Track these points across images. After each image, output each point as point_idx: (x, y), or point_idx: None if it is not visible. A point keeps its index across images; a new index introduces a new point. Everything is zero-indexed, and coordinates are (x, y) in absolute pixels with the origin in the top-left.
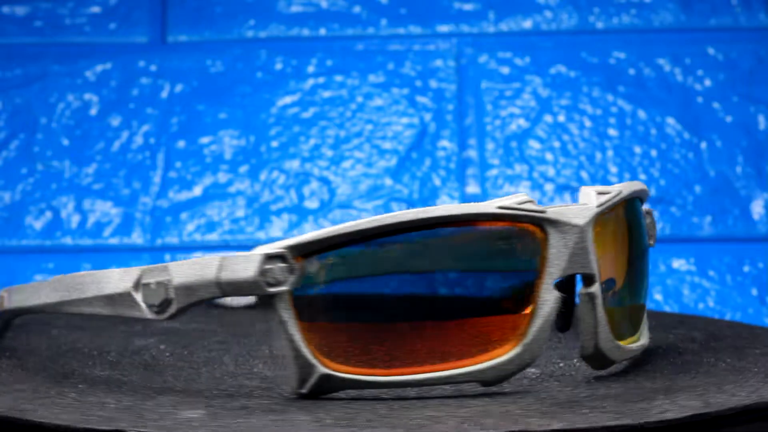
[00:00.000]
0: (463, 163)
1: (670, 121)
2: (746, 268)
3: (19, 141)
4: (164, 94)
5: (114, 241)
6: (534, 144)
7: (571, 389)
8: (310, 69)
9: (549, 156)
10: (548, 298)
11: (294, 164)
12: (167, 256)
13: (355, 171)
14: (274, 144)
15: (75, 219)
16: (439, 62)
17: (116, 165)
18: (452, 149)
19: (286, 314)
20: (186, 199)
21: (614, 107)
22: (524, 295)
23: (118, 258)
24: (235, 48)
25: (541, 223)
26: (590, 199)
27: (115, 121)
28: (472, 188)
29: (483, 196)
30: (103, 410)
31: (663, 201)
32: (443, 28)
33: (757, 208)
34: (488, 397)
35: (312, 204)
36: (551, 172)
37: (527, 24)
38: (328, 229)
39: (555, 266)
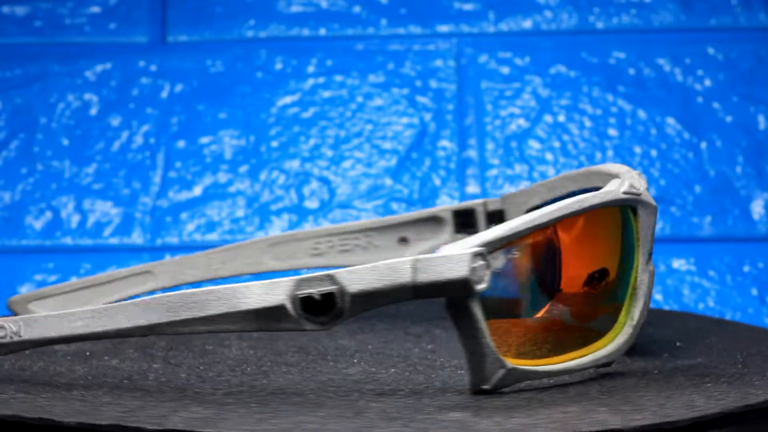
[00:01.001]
0: (463, 163)
1: (670, 121)
2: (746, 268)
3: (19, 141)
4: (164, 94)
5: (114, 241)
6: (534, 144)
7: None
8: (310, 69)
9: (549, 156)
10: (644, 278)
11: (294, 164)
12: (167, 256)
13: (355, 171)
14: (274, 144)
15: (75, 219)
16: (439, 62)
17: (116, 165)
18: (452, 149)
19: (478, 312)
20: (186, 199)
21: (614, 107)
22: (630, 277)
23: (118, 258)
24: (235, 48)
25: (636, 205)
26: (636, 179)
27: (115, 121)
28: (472, 188)
29: (483, 196)
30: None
31: (663, 201)
32: (443, 28)
33: (757, 208)
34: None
35: (312, 204)
36: (551, 172)
37: (527, 24)
38: (511, 225)
39: (644, 247)
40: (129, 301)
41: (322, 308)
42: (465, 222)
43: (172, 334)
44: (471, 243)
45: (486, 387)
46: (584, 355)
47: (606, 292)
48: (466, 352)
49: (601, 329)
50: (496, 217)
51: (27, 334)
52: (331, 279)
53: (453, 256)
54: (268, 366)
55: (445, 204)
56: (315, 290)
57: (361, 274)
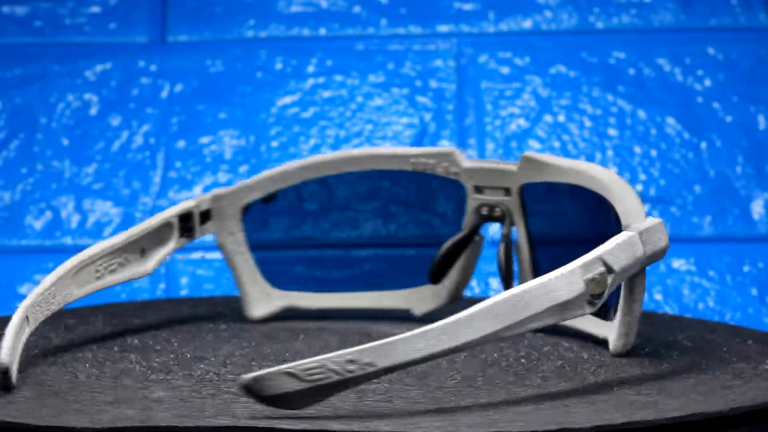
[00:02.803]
0: None
1: (670, 121)
2: (746, 268)
3: (19, 141)
4: (164, 94)
5: None
6: (534, 144)
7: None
8: (310, 69)
9: None
10: None
11: None
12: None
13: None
14: (274, 144)
15: (75, 219)
16: (439, 62)
17: (116, 165)
18: None
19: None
20: (186, 198)
21: (614, 107)
22: None
23: None
24: (235, 48)
25: None
26: None
27: (115, 121)
28: None
29: None
30: None
31: (663, 201)
32: (443, 28)
33: (757, 208)
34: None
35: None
36: None
37: (527, 24)
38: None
39: None
40: (467, 314)
41: (598, 289)
42: (185, 226)
43: (510, 336)
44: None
45: None
46: None
47: None
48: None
49: None
50: (206, 217)
51: (382, 363)
52: (602, 261)
53: (655, 226)
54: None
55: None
56: (593, 274)
57: (615, 252)
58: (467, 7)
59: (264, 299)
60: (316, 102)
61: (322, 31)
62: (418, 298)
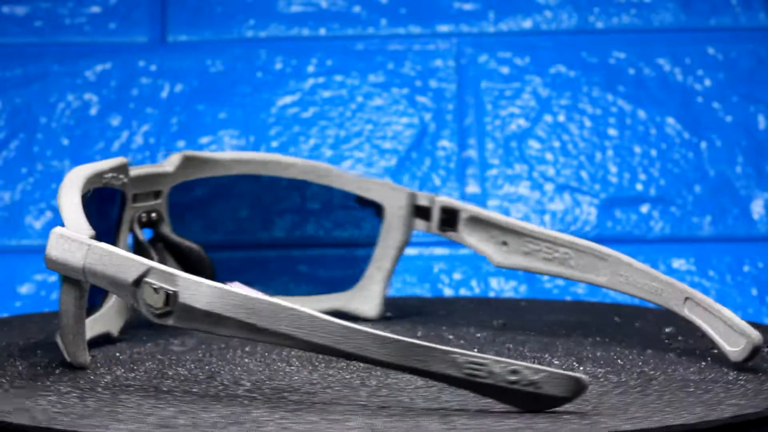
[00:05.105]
0: (463, 163)
1: (670, 121)
2: (746, 268)
3: (19, 141)
4: (164, 94)
5: None
6: (534, 144)
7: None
8: (310, 69)
9: (549, 156)
10: None
11: None
12: None
13: (355, 171)
14: (274, 144)
15: None
16: (439, 62)
17: None
18: (452, 149)
19: None
20: None
21: (614, 107)
22: None
23: None
24: (235, 48)
25: None
26: None
27: (115, 121)
28: (472, 188)
29: (483, 196)
30: None
31: (663, 201)
32: (443, 28)
33: (757, 208)
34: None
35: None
36: (551, 171)
37: (527, 24)
38: None
39: None
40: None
41: None
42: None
43: None
44: None
45: None
46: None
47: None
48: None
49: None
50: None
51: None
52: None
53: None
54: None
55: None
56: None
57: None
58: (467, 7)
59: None
60: (316, 102)
61: (322, 31)
62: None
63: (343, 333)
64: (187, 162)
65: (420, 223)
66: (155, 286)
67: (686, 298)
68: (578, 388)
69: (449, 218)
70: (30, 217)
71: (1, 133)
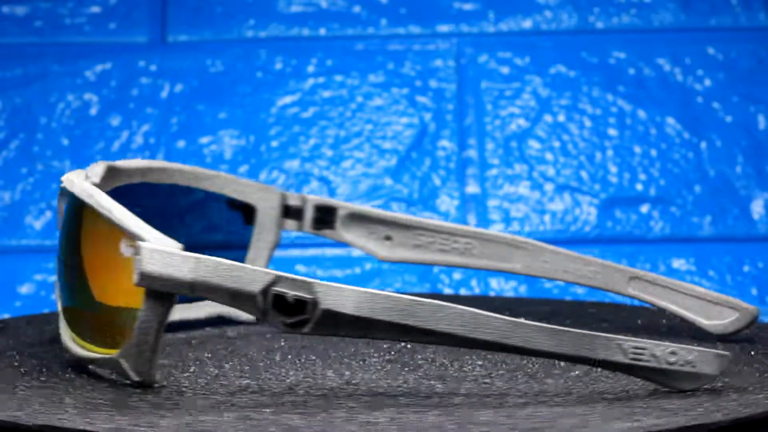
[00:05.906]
0: (463, 163)
1: (670, 121)
2: (746, 268)
3: (19, 141)
4: (164, 94)
5: None
6: (534, 144)
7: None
8: (310, 69)
9: (549, 156)
10: None
11: (294, 164)
12: None
13: (355, 171)
14: (274, 144)
15: None
16: (439, 62)
17: None
18: (452, 149)
19: None
20: None
21: (614, 107)
22: None
23: None
24: (235, 48)
25: None
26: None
27: (115, 121)
28: (472, 188)
29: (483, 196)
30: None
31: (663, 201)
32: (443, 28)
33: (757, 208)
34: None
35: None
36: (551, 171)
37: (527, 24)
38: None
39: None
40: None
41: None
42: None
43: None
44: None
45: None
46: None
47: None
48: None
49: None
50: None
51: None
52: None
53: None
54: None
55: (444, 204)
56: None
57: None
58: (467, 7)
59: None
60: (316, 102)
61: (322, 31)
62: None
63: (510, 327)
64: (110, 173)
65: (291, 223)
66: (288, 295)
67: (631, 278)
68: (726, 364)
69: (324, 217)
70: (30, 217)
71: (1, 133)
